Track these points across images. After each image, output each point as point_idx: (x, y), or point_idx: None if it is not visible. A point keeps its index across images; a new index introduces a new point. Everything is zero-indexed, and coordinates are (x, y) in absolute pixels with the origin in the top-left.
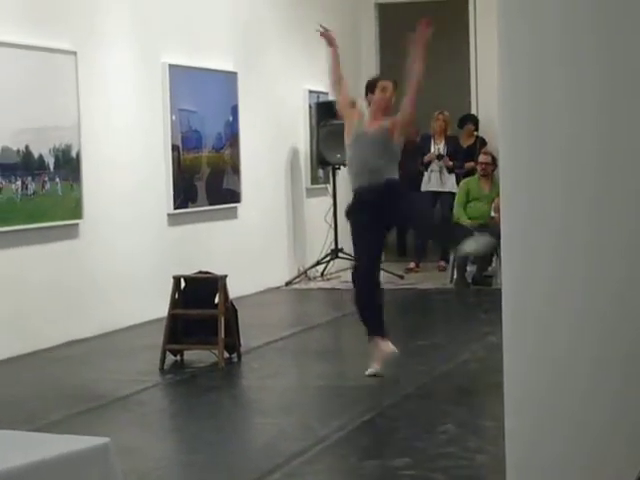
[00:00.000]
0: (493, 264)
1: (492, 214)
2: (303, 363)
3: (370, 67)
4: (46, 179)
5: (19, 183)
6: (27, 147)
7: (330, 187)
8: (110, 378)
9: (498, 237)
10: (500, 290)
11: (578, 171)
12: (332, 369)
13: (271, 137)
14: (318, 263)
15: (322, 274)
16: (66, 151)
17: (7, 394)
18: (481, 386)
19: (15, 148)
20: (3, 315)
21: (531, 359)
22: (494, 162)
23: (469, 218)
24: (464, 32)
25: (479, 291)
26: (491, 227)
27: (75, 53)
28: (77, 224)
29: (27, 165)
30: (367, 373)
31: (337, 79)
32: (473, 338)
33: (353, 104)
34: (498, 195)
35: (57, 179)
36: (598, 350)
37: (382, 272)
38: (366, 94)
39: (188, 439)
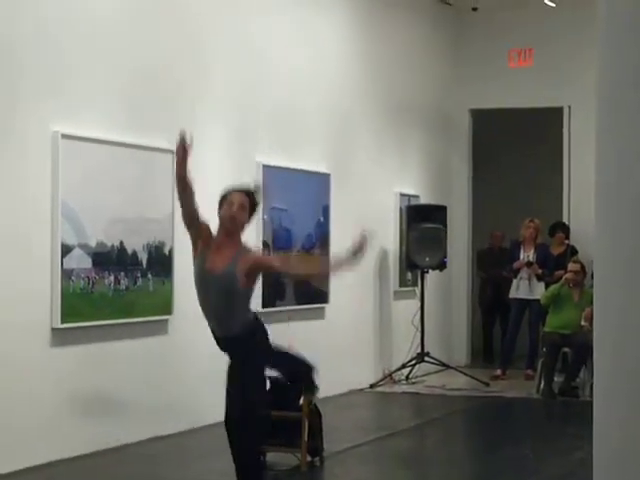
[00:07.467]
0: (581, 375)
1: (582, 323)
2: (386, 470)
3: (462, 173)
4: (138, 275)
5: (112, 278)
6: (121, 243)
7: (418, 290)
8: (192, 476)
9: (587, 347)
10: (587, 402)
11: None
12: (415, 477)
13: None
14: (404, 366)
15: (407, 377)
16: (159, 247)
17: None
18: None
19: (110, 243)
20: (91, 407)
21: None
22: (583, 270)
23: (558, 327)
24: (559, 140)
25: (566, 402)
26: (580, 336)
27: (172, 151)
28: (167, 320)
29: (120, 260)
30: None
31: (181, 178)
32: (559, 452)
33: (197, 220)
34: (588, 304)
35: (149, 275)
36: None
37: (468, 378)
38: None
39: None
